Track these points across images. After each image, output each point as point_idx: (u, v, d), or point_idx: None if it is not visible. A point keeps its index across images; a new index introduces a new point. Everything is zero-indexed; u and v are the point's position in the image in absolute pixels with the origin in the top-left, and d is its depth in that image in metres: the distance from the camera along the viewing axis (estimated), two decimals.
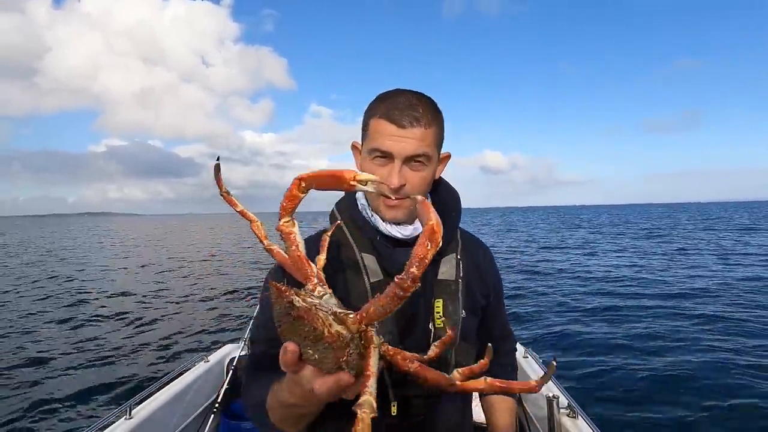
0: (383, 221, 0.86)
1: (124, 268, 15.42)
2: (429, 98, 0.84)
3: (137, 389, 4.21)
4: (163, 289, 10.79)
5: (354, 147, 0.91)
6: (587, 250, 16.23)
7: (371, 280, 0.84)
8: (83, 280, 12.60)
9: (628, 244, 18.19)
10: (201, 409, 1.90)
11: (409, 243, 0.86)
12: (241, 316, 7.52)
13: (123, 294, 10.30)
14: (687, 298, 7.65)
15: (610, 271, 10.89)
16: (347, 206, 0.92)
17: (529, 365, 1.95)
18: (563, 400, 1.56)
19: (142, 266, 15.84)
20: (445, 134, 0.87)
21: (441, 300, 0.86)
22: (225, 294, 9.84)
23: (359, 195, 0.92)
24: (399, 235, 0.86)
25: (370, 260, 0.86)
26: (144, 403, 1.64)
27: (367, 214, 0.88)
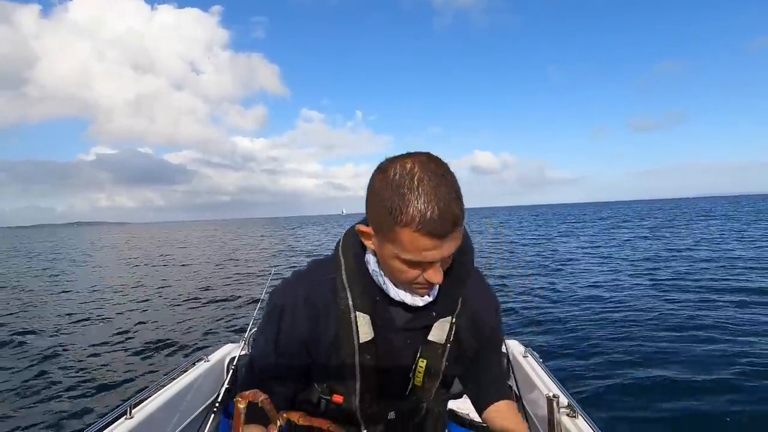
0: (396, 288, 0.82)
1: (122, 271, 15.42)
2: (452, 175, 0.69)
3: (137, 389, 4.22)
4: (162, 290, 10.80)
5: (363, 233, 0.78)
6: (586, 247, 16.21)
7: (361, 341, 0.84)
8: (81, 283, 12.60)
9: (624, 240, 18.11)
10: (201, 409, 1.90)
11: (409, 307, 0.85)
12: (242, 315, 7.53)
13: (122, 295, 10.30)
14: (690, 292, 7.60)
15: (610, 268, 10.87)
16: (354, 256, 0.86)
17: (529, 364, 1.95)
18: (563, 400, 1.56)
19: (140, 269, 15.84)
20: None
21: (425, 360, 0.87)
22: (225, 294, 9.84)
23: (369, 256, 0.85)
24: (411, 303, 0.83)
25: (363, 320, 0.84)
26: (144, 403, 1.63)
27: (378, 278, 0.83)
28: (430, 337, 0.87)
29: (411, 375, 0.88)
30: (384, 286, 0.82)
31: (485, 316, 0.95)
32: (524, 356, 2.02)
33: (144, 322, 7.47)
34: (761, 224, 24.26)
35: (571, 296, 8.16)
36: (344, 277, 0.85)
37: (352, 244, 0.87)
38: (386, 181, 0.68)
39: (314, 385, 0.90)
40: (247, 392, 0.61)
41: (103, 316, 8.00)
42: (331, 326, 0.85)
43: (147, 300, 9.52)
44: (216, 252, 21.91)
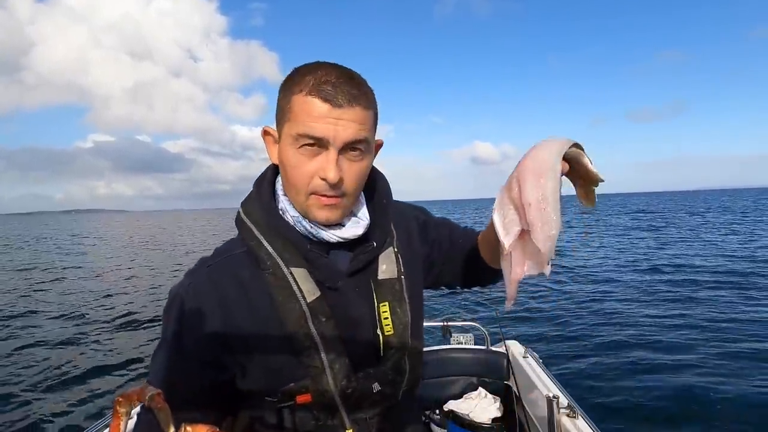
0: (318, 224, 0.72)
1: (121, 266, 15.42)
2: (360, 75, 0.69)
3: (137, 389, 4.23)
4: (162, 289, 10.79)
5: (267, 133, 0.73)
6: (585, 243, 16.16)
7: (308, 300, 0.69)
8: (81, 280, 12.60)
9: (627, 236, 17.95)
10: None
11: (344, 245, 0.75)
12: None
13: (123, 294, 10.30)
14: (695, 289, 7.58)
15: (610, 266, 10.85)
16: (263, 211, 0.74)
17: (529, 365, 1.95)
18: (563, 400, 1.57)
19: (140, 265, 15.84)
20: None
21: (387, 303, 0.76)
22: None
23: (280, 195, 0.75)
24: (335, 239, 0.72)
25: (301, 275, 0.70)
26: None
27: (301, 224, 0.72)
28: (381, 276, 0.77)
29: (378, 327, 0.75)
30: (313, 230, 0.71)
31: (415, 225, 0.89)
32: (524, 357, 2.02)
33: (144, 322, 7.46)
34: (750, 217, 24.25)
35: (571, 294, 8.16)
36: (260, 238, 0.72)
37: (257, 197, 0.76)
38: (288, 77, 0.69)
39: (265, 399, 0.71)
40: (131, 390, 0.47)
41: (102, 316, 8.00)
42: (259, 302, 0.70)
43: (146, 299, 9.52)
44: (219, 241, 21.82)
